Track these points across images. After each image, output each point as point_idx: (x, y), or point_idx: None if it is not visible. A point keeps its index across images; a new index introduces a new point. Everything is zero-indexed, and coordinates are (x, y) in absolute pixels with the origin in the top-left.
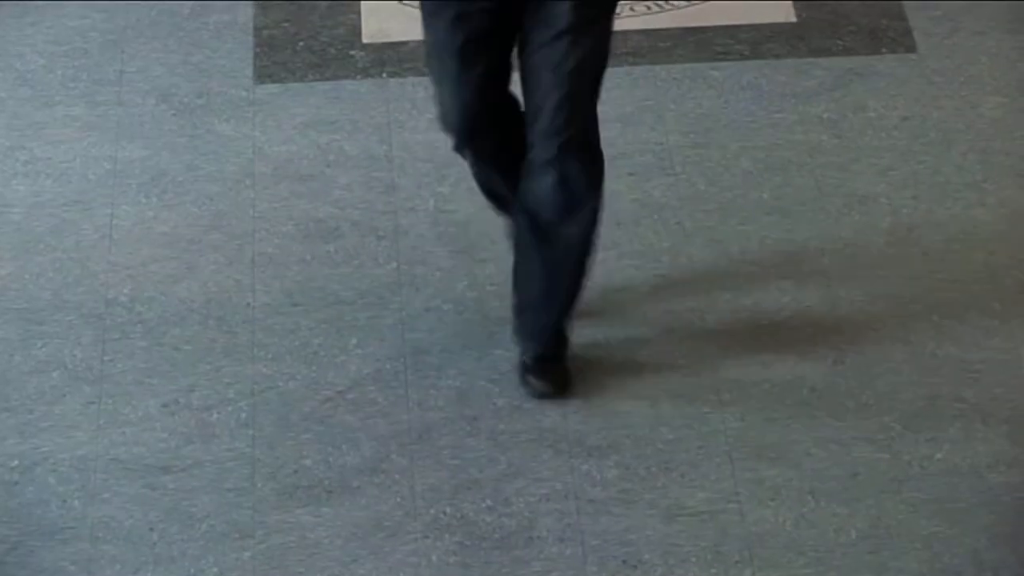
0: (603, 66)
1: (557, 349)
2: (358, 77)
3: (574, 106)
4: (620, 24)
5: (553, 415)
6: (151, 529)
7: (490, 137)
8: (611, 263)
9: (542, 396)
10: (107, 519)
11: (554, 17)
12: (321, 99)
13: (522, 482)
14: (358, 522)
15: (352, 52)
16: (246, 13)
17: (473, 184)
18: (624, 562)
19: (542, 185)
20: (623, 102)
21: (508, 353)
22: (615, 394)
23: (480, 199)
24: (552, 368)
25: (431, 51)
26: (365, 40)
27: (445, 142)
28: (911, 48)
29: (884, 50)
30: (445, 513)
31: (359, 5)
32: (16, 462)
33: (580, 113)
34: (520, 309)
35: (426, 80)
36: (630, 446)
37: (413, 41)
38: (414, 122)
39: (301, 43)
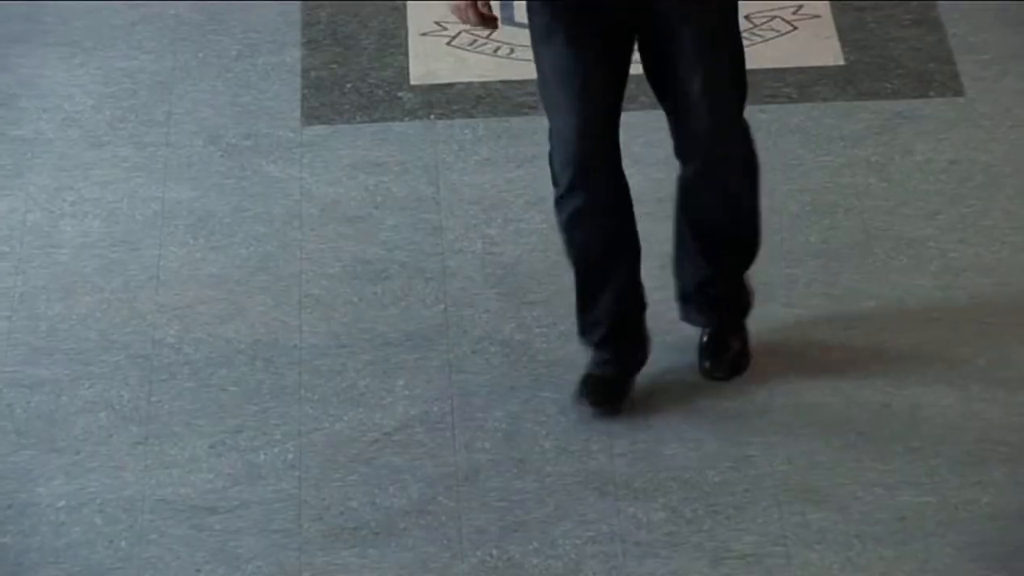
0: (741, 66)
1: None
2: (406, 119)
3: (724, 114)
4: None
5: (600, 457)
6: (198, 570)
7: (608, 173)
8: (658, 304)
9: (716, 377)
10: (154, 560)
11: (681, 33)
12: (369, 141)
13: (568, 524)
14: (404, 564)
15: (400, 94)
16: (294, 55)
17: (521, 225)
18: None
19: (706, 196)
20: (669, 144)
21: (555, 395)
22: (662, 436)
23: (527, 240)
24: (729, 352)
25: (545, 79)
26: (413, 82)
27: (493, 183)
28: (959, 92)
29: (932, 93)
30: (492, 555)
31: (407, 47)
32: (63, 502)
33: (731, 119)
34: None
35: (474, 122)
36: (676, 489)
37: (461, 83)
38: (462, 164)
39: (349, 85)
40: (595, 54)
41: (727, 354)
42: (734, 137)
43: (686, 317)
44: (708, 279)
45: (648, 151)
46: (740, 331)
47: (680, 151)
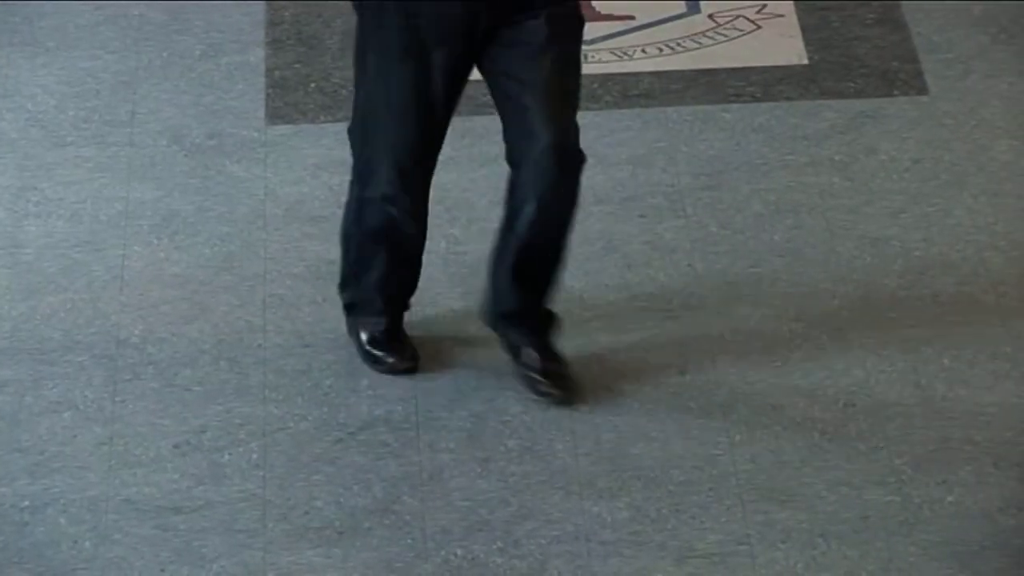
0: (579, 71)
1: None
2: None
3: (566, 116)
4: (632, 66)
5: (564, 457)
6: (162, 570)
7: (431, 169)
8: (622, 304)
9: (554, 401)
10: (118, 560)
11: (529, 34)
12: (333, 140)
13: (533, 524)
14: (369, 563)
15: None
16: (258, 55)
17: (485, 225)
18: None
19: (538, 191)
20: (634, 144)
21: (519, 395)
22: (626, 436)
23: (490, 240)
24: (561, 376)
25: (381, 89)
26: None
27: (456, 183)
28: (923, 91)
29: (896, 92)
30: (456, 555)
31: None
32: (27, 503)
33: (570, 122)
34: (499, 297)
35: None
36: (641, 488)
37: None
38: None
39: (313, 84)
40: (446, 65)
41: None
42: (575, 141)
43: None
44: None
45: (613, 150)
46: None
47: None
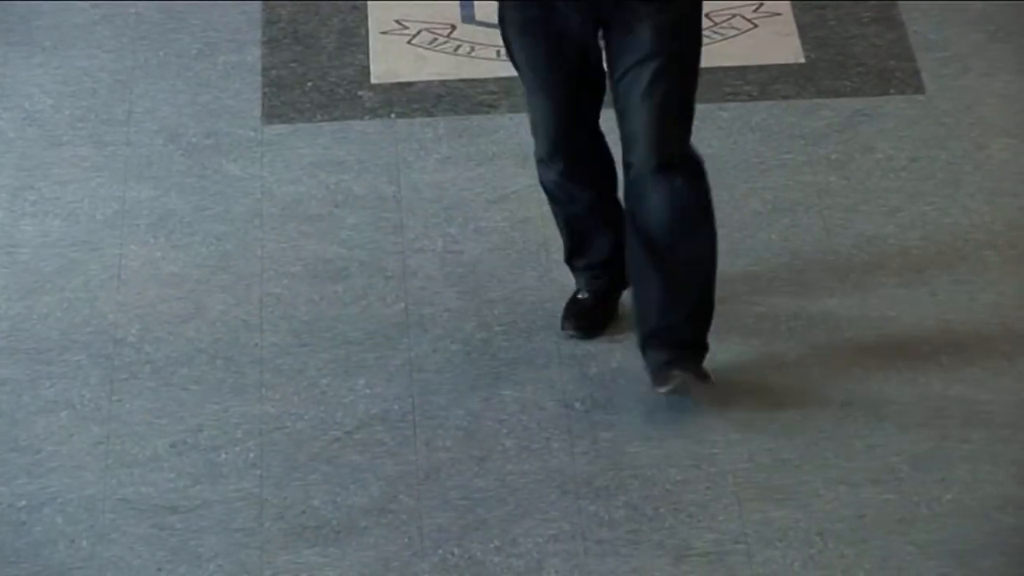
0: (692, 85)
1: (686, 356)
2: (366, 117)
3: (664, 119)
4: None
5: (561, 455)
6: (159, 569)
7: (584, 153)
8: (620, 302)
9: (676, 391)
10: (115, 559)
11: (639, 43)
12: (329, 139)
13: (530, 523)
14: (366, 562)
15: (360, 92)
16: (254, 54)
17: (482, 224)
18: None
19: (650, 204)
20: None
21: (516, 393)
22: (623, 434)
23: (487, 240)
24: (680, 372)
25: (522, 67)
26: (373, 80)
27: (453, 182)
28: (919, 89)
29: (892, 91)
30: (453, 554)
31: (367, 45)
32: (24, 502)
33: (671, 126)
34: (643, 324)
35: (434, 121)
36: (638, 487)
37: (421, 81)
38: (422, 162)
39: (309, 83)
40: (574, 51)
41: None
42: (679, 144)
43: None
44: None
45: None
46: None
47: (623, 156)
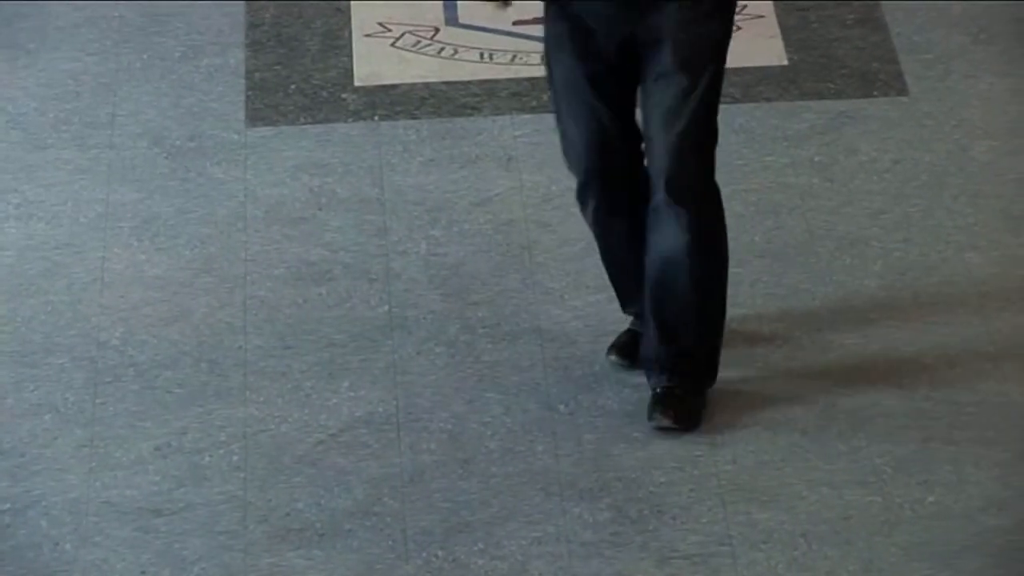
0: (709, 106)
1: (687, 383)
2: (350, 120)
3: (680, 147)
4: None
5: (545, 458)
6: (143, 572)
7: (619, 179)
8: (603, 306)
9: (662, 428)
10: (99, 562)
11: (658, 56)
12: (313, 142)
13: (514, 525)
14: (350, 565)
15: (344, 95)
16: (238, 56)
17: (465, 226)
18: None
19: (660, 228)
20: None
21: (500, 396)
22: (607, 437)
23: (471, 241)
24: (678, 403)
25: (554, 86)
26: (357, 83)
27: (437, 184)
28: (903, 91)
29: (876, 93)
30: (437, 556)
31: (351, 48)
32: (8, 505)
33: (687, 155)
34: (646, 340)
35: (418, 123)
36: (622, 489)
37: (404, 84)
38: (406, 165)
39: (293, 86)
40: (604, 68)
41: (673, 405)
42: (693, 176)
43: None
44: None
45: None
46: (696, 391)
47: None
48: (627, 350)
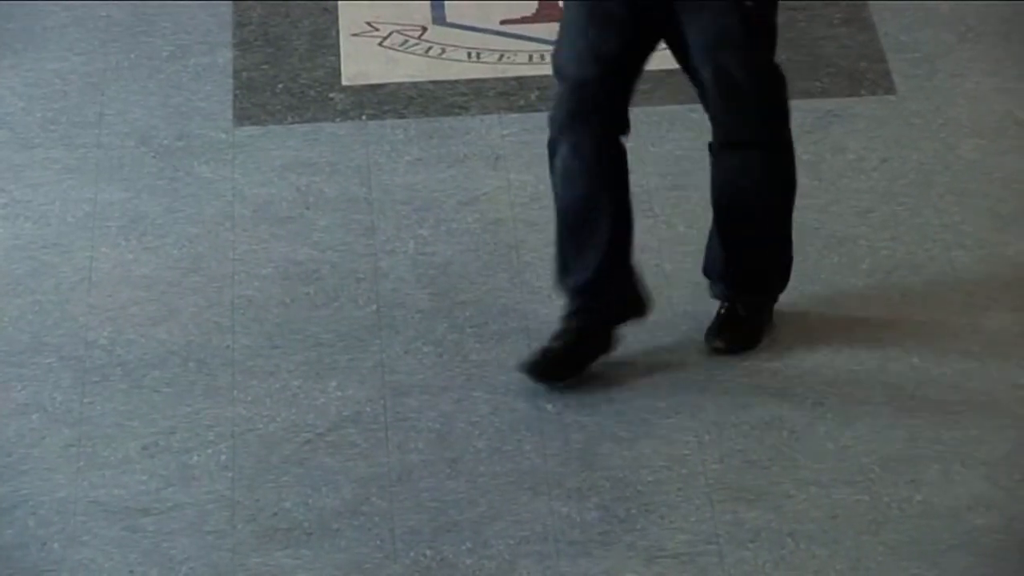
0: (765, 48)
1: (749, 299)
2: (337, 119)
3: (737, 93)
4: None
5: (533, 457)
6: (131, 572)
7: (594, 135)
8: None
9: (716, 350)
10: (87, 562)
11: (709, 11)
12: (300, 141)
13: (502, 524)
14: (338, 564)
15: (331, 95)
16: (225, 56)
17: (453, 225)
18: None
19: (723, 169)
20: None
21: (488, 395)
22: (594, 436)
23: (458, 240)
24: (735, 326)
25: (561, 31)
26: (344, 82)
27: (425, 184)
28: (890, 90)
29: (863, 92)
30: (425, 556)
31: (338, 47)
32: None
33: (744, 101)
34: (710, 250)
35: (405, 122)
36: (609, 488)
37: (392, 83)
38: (393, 164)
39: (280, 85)
40: (616, 21)
41: (730, 328)
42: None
43: (710, 290)
44: (725, 259)
45: None
46: (754, 310)
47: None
48: (553, 368)
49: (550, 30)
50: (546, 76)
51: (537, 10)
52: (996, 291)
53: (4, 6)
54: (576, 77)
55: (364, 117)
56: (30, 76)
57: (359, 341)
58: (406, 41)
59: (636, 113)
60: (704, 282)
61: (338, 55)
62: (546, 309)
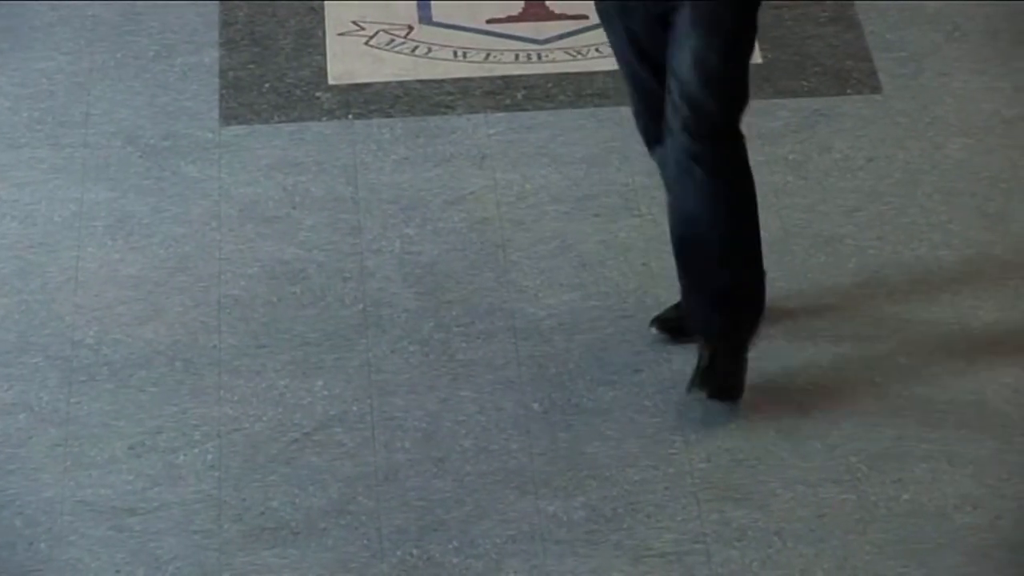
0: (724, 55)
1: (727, 347)
2: (324, 119)
3: (691, 92)
4: (586, 66)
5: (520, 456)
6: (117, 571)
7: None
8: (576, 304)
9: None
10: (73, 561)
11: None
12: (287, 141)
13: (488, 523)
14: (325, 564)
15: (318, 94)
16: (212, 55)
17: (439, 225)
18: None
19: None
20: (589, 143)
21: (474, 394)
22: (581, 435)
23: (445, 240)
24: (715, 377)
25: (616, 55)
26: (331, 82)
27: (411, 183)
28: (876, 89)
29: (850, 91)
30: (412, 555)
31: (324, 47)
32: None
33: (701, 99)
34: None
35: (392, 121)
36: (596, 487)
37: (378, 82)
38: (380, 163)
39: (267, 85)
40: (644, 34)
41: (713, 374)
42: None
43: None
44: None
45: (567, 149)
46: (733, 355)
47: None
48: (669, 324)
49: (536, 29)
50: (532, 75)
51: (523, 9)
52: (983, 290)
53: None
54: (636, 112)
55: (350, 116)
56: (16, 76)
57: (345, 340)
58: (392, 40)
59: (622, 112)
60: None
61: (324, 54)
62: (532, 308)
